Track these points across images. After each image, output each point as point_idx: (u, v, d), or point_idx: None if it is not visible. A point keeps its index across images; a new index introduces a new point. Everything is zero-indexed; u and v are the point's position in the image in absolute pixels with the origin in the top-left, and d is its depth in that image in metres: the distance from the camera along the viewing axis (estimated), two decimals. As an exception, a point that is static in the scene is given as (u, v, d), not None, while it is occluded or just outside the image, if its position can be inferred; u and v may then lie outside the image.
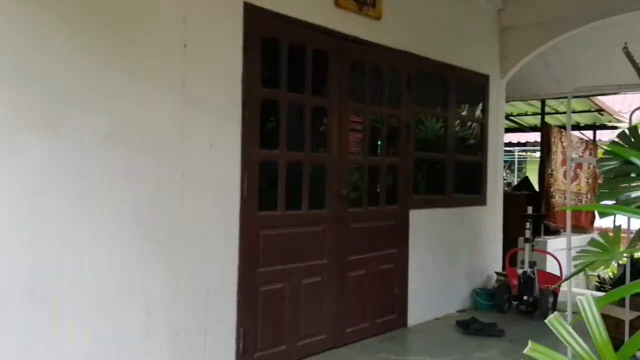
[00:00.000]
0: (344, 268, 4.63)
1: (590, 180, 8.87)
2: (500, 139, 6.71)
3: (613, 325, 4.97)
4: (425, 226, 5.48)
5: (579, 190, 8.63)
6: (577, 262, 2.23)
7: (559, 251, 6.86)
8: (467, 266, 6.11)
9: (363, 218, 4.82)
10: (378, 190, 5.08)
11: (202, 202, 3.58)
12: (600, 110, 8.66)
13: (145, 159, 3.29)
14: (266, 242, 4.02)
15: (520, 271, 5.78)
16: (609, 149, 2.79)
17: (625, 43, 4.20)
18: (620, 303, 5.21)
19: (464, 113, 6.55)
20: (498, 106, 6.63)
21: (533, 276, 5.76)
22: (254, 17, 3.86)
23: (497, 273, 6.40)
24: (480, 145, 6.38)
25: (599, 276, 8.88)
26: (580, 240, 8.25)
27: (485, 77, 6.40)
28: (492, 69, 6.52)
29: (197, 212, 3.56)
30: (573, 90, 5.76)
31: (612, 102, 9.26)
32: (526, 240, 5.94)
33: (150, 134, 3.33)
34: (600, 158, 2.79)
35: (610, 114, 8.87)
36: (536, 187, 9.15)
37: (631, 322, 4.76)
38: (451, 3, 5.87)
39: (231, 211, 3.78)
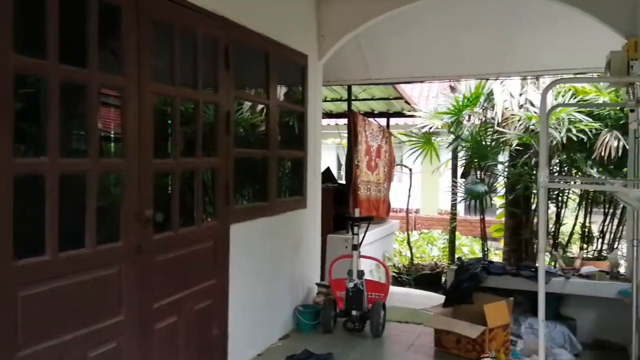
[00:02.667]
0: (150, 320, 3.25)
1: (386, 169, 8.68)
2: (319, 130, 5.85)
3: (454, 342, 4.52)
4: (248, 242, 4.34)
5: (379, 180, 8.36)
6: None
7: (369, 246, 6.38)
8: (289, 281, 5.17)
9: (174, 245, 3.47)
10: (193, 203, 3.75)
11: None
12: (399, 98, 8.48)
13: None
14: (29, 308, 2.47)
15: (350, 284, 5.02)
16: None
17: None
18: (458, 314, 4.82)
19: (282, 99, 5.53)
20: (316, 91, 5.75)
21: (362, 288, 5.07)
22: None
23: (319, 285, 5.60)
24: (300, 137, 5.43)
25: (394, 265, 8.83)
26: (381, 231, 8.06)
27: (304, 57, 5.45)
28: (311, 48, 5.60)
29: None
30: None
31: (410, 90, 9.23)
32: (354, 248, 5.20)
33: None
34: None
35: (409, 103, 8.77)
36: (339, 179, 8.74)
37: (474, 340, 4.35)
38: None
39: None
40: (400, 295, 6.57)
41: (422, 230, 13.37)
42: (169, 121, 3.45)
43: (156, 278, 3.28)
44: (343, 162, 17.10)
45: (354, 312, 5.04)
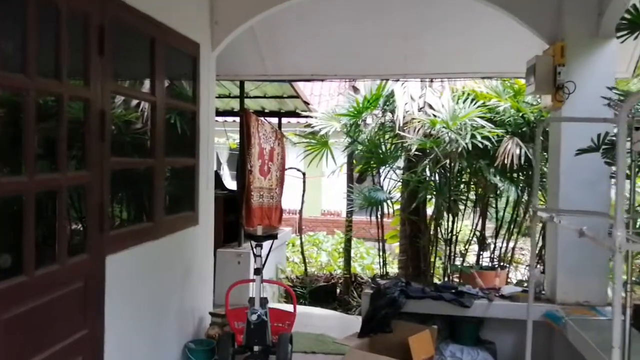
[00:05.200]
0: (-9, 405, 2.29)
1: (279, 174, 8.01)
2: (212, 132, 5.03)
3: (374, 379, 3.98)
4: (129, 277, 3.45)
5: (271, 185, 7.66)
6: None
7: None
8: (179, 314, 4.31)
9: (27, 294, 2.52)
10: (55, 233, 2.78)
11: None
12: (294, 97, 7.84)
13: None
14: None
15: (253, 316, 4.24)
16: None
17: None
18: (376, 344, 4.30)
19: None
20: (209, 87, 4.92)
21: (266, 319, 4.35)
22: None
23: (212, 314, 4.80)
24: (191, 140, 4.57)
25: (287, 277, 8.23)
26: (275, 242, 7.38)
27: (196, 46, 4.61)
28: (203, 36, 4.76)
29: None
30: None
31: (304, 88, 8.62)
32: (256, 272, 4.45)
33: None
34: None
35: (306, 102, 8.16)
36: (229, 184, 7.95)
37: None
38: None
39: None
40: (300, 316, 5.93)
41: (307, 233, 12.92)
42: (20, 125, 2.48)
43: (-1, 345, 2.33)
44: (224, 162, 16.34)
45: (256, 348, 4.29)
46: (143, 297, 3.66)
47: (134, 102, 4.22)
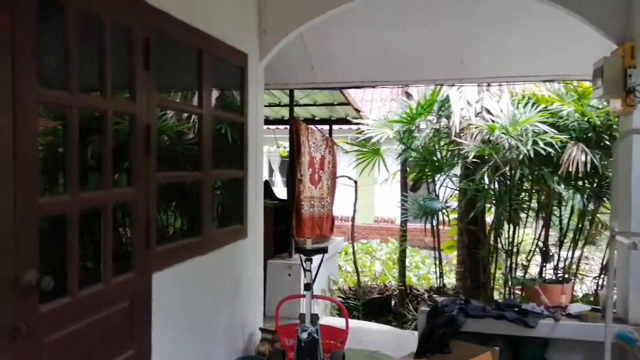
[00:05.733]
0: None
1: (330, 182, 7.86)
2: (261, 143, 4.94)
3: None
4: (176, 294, 3.38)
5: (322, 195, 7.52)
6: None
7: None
8: (227, 329, 4.22)
9: (72, 315, 2.47)
10: (99, 252, 2.73)
11: None
12: (345, 104, 7.68)
13: None
14: None
15: (304, 334, 4.10)
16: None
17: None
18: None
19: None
20: (257, 98, 4.83)
21: (317, 337, 4.19)
22: None
23: (262, 330, 4.69)
24: (239, 152, 4.49)
25: (339, 289, 8.05)
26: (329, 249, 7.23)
27: (244, 57, 4.52)
28: (251, 46, 4.68)
29: None
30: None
31: (355, 94, 8.45)
32: (306, 287, 4.30)
33: None
34: None
35: (357, 109, 7.99)
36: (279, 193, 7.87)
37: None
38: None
39: None
40: (353, 331, 5.75)
41: (360, 241, 12.70)
42: (63, 142, 2.44)
43: (42, 370, 2.27)
44: (275, 169, 16.37)
45: (307, 366, 4.16)
46: (191, 314, 3.58)
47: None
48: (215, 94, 4.30)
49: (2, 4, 2.06)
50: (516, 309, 4.09)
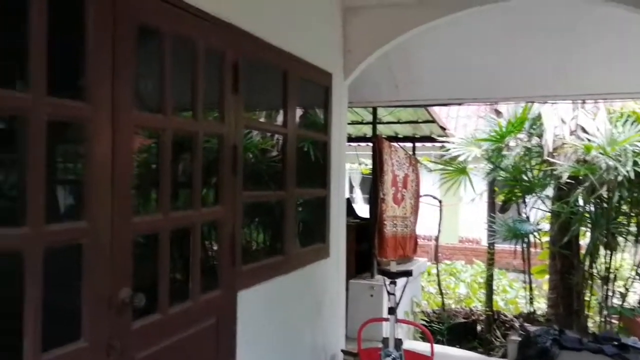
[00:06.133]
0: None
1: (413, 201, 7.71)
2: (344, 162, 4.93)
3: None
4: (260, 312, 3.40)
5: (405, 214, 7.39)
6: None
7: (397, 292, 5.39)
8: (309, 351, 4.20)
9: (162, 332, 2.53)
10: (188, 270, 2.81)
11: None
12: (430, 121, 7.55)
13: None
14: None
15: (387, 359, 4.03)
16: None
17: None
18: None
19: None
20: (341, 117, 4.83)
21: (401, 361, 4.08)
22: None
23: (345, 352, 4.63)
24: (322, 170, 4.50)
25: (423, 311, 7.84)
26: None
27: (328, 76, 4.55)
28: (335, 65, 4.69)
29: None
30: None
31: (439, 111, 8.30)
32: (390, 311, 4.21)
33: None
34: None
35: (443, 127, 7.83)
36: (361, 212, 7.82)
37: None
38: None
39: None
40: (437, 357, 5.55)
41: (444, 261, 12.34)
42: (155, 163, 2.54)
43: (134, 386, 2.34)
44: (356, 185, 16.35)
45: (390, 391, 4.05)
46: (273, 334, 3.59)
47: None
48: (299, 112, 4.35)
49: (106, 37, 2.17)
50: (615, 343, 3.79)
